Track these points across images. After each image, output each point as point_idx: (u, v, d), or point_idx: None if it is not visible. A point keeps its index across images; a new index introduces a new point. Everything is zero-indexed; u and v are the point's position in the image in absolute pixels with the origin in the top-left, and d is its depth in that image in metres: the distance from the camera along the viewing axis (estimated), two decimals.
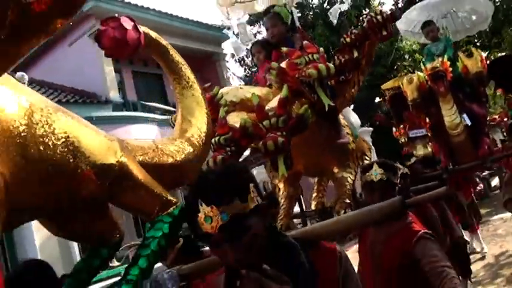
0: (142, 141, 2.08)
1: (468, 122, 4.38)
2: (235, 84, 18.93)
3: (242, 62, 19.20)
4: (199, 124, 2.17)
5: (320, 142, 2.89)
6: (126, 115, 11.79)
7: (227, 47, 17.55)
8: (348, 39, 3.02)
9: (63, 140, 1.55)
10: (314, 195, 3.82)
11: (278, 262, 1.29)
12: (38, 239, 6.01)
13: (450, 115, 4.34)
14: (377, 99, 13.52)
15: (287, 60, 2.75)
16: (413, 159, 4.89)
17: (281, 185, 3.23)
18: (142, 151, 1.91)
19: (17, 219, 1.54)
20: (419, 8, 6.30)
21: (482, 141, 4.39)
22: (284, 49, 2.83)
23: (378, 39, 3.08)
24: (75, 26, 13.59)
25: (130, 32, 1.85)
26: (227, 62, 18.34)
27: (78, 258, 7.02)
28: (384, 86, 5.57)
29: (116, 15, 1.90)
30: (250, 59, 18.76)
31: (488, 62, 4.95)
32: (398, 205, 1.48)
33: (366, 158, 3.69)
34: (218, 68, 16.72)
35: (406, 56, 17.29)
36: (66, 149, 1.55)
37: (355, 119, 3.70)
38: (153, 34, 2.08)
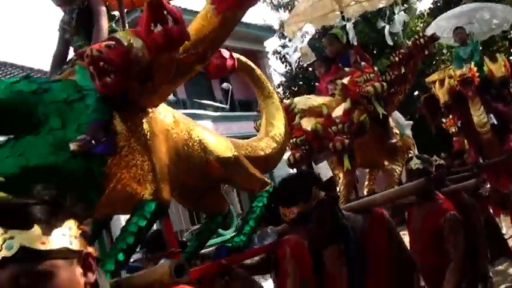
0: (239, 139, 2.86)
1: (494, 121, 4.97)
2: (276, 80, 19.68)
3: (283, 58, 19.77)
4: (279, 125, 2.90)
5: (375, 142, 3.62)
6: (184, 113, 12.53)
7: (269, 45, 18.30)
8: (396, 58, 3.73)
9: (198, 142, 2.32)
10: (366, 183, 4.52)
11: (338, 238, 2.06)
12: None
13: (478, 115, 4.86)
14: (416, 93, 14.03)
15: (349, 77, 3.52)
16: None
17: (341, 175, 3.99)
18: (244, 147, 2.66)
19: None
20: (447, 17, 7.03)
21: (507, 138, 4.97)
22: (347, 69, 3.60)
23: (420, 57, 3.78)
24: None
25: (228, 60, 2.54)
26: (269, 59, 19.03)
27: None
28: (429, 79, 5.99)
29: None
30: (292, 57, 19.37)
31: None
32: (422, 185, 2.26)
33: (410, 152, 4.40)
34: (261, 66, 17.39)
35: (445, 51, 17.54)
36: (200, 148, 2.31)
37: (401, 119, 4.40)
38: (243, 58, 2.83)
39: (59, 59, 2.35)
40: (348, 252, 2.05)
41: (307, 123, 3.39)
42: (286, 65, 20.15)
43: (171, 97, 14.03)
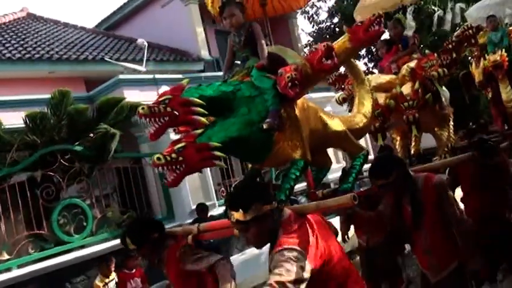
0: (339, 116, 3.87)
1: None
2: (304, 40, 20.29)
3: (311, 18, 20.28)
4: (368, 105, 3.92)
5: (431, 112, 4.57)
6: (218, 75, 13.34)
7: None
8: (449, 46, 4.64)
9: (320, 120, 3.34)
10: (413, 144, 5.51)
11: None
12: (186, 181, 7.97)
13: (506, 92, 5.84)
14: None
15: (417, 62, 4.51)
16: None
17: (398, 138, 5.05)
18: (346, 122, 3.65)
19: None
20: (477, 7, 8.19)
21: None
22: (415, 56, 4.61)
23: (468, 45, 4.72)
24: None
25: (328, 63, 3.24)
26: (297, 19, 19.54)
27: (212, 188, 9.18)
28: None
29: None
30: (319, 17, 19.98)
31: None
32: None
33: (451, 117, 5.43)
34: (290, 26, 18.00)
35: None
36: (321, 124, 3.34)
37: (446, 93, 5.34)
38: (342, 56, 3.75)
39: (229, 64, 3.52)
40: (413, 199, 3.20)
41: (381, 100, 4.36)
42: (313, 25, 20.61)
43: (208, 57, 14.93)
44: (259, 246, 2.39)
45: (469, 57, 6.54)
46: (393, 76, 4.76)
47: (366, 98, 3.95)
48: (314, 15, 20.43)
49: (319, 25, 20.44)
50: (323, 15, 20.64)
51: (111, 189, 8.23)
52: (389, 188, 3.17)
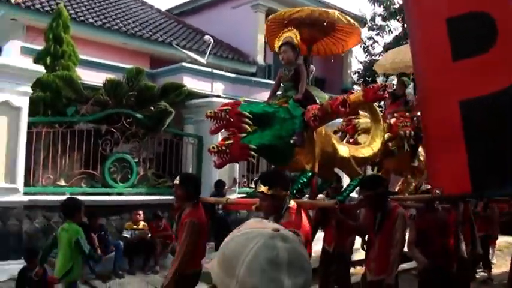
0: (349, 145, 5.14)
1: None
2: (355, 67, 21.42)
3: (366, 49, 21.43)
4: (378, 142, 5.08)
5: (404, 161, 5.90)
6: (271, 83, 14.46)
7: None
8: None
9: (331, 144, 4.58)
10: (399, 184, 6.77)
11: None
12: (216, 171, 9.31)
13: None
14: None
15: (395, 119, 5.84)
16: None
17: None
18: (353, 150, 4.83)
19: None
20: None
21: None
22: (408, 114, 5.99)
23: None
24: None
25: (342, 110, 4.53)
26: None
27: (237, 174, 10.30)
28: None
29: None
30: (374, 49, 21.08)
31: None
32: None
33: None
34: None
35: None
36: (332, 148, 4.56)
37: None
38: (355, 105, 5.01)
39: (275, 90, 4.70)
40: (381, 216, 4.29)
41: (362, 140, 5.48)
42: (367, 55, 21.70)
43: (262, 62, 16.27)
44: (266, 216, 3.31)
45: None
46: (384, 125, 5.80)
47: (378, 136, 5.11)
48: (370, 47, 21.54)
49: (372, 57, 21.43)
50: (378, 49, 21.71)
51: (154, 154, 9.72)
52: (372, 200, 4.16)
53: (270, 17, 5.34)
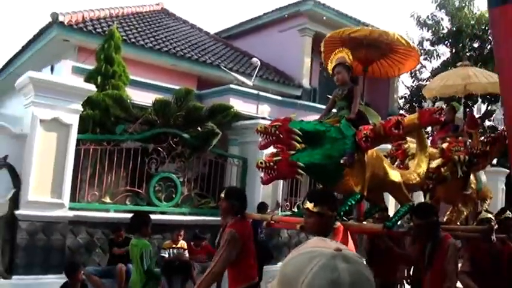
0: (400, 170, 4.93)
1: None
2: (401, 91, 21.02)
3: (414, 74, 20.97)
4: (423, 167, 4.87)
5: (455, 189, 5.38)
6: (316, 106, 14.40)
7: None
8: (485, 139, 5.47)
9: (382, 168, 4.38)
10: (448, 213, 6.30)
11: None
12: (261, 188, 9.36)
13: None
14: None
15: (448, 144, 5.43)
16: None
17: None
18: (403, 176, 4.62)
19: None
20: None
21: None
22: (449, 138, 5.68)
23: (502, 146, 5.49)
24: (290, 19, 16.71)
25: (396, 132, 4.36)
26: None
27: (280, 197, 10.37)
28: None
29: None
30: (421, 74, 20.68)
31: None
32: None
33: (486, 201, 6.24)
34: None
35: None
36: (383, 172, 4.36)
37: (484, 177, 6.14)
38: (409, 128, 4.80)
39: (329, 109, 4.63)
40: (431, 248, 4.10)
41: (411, 165, 5.22)
42: (414, 80, 21.23)
43: (307, 85, 16.23)
44: (310, 233, 3.27)
45: None
46: (435, 150, 5.63)
47: (423, 162, 4.92)
48: (417, 72, 21.10)
49: (419, 82, 20.93)
50: (425, 74, 21.26)
51: (199, 175, 9.74)
52: (424, 230, 3.98)
53: (328, 35, 5.29)
